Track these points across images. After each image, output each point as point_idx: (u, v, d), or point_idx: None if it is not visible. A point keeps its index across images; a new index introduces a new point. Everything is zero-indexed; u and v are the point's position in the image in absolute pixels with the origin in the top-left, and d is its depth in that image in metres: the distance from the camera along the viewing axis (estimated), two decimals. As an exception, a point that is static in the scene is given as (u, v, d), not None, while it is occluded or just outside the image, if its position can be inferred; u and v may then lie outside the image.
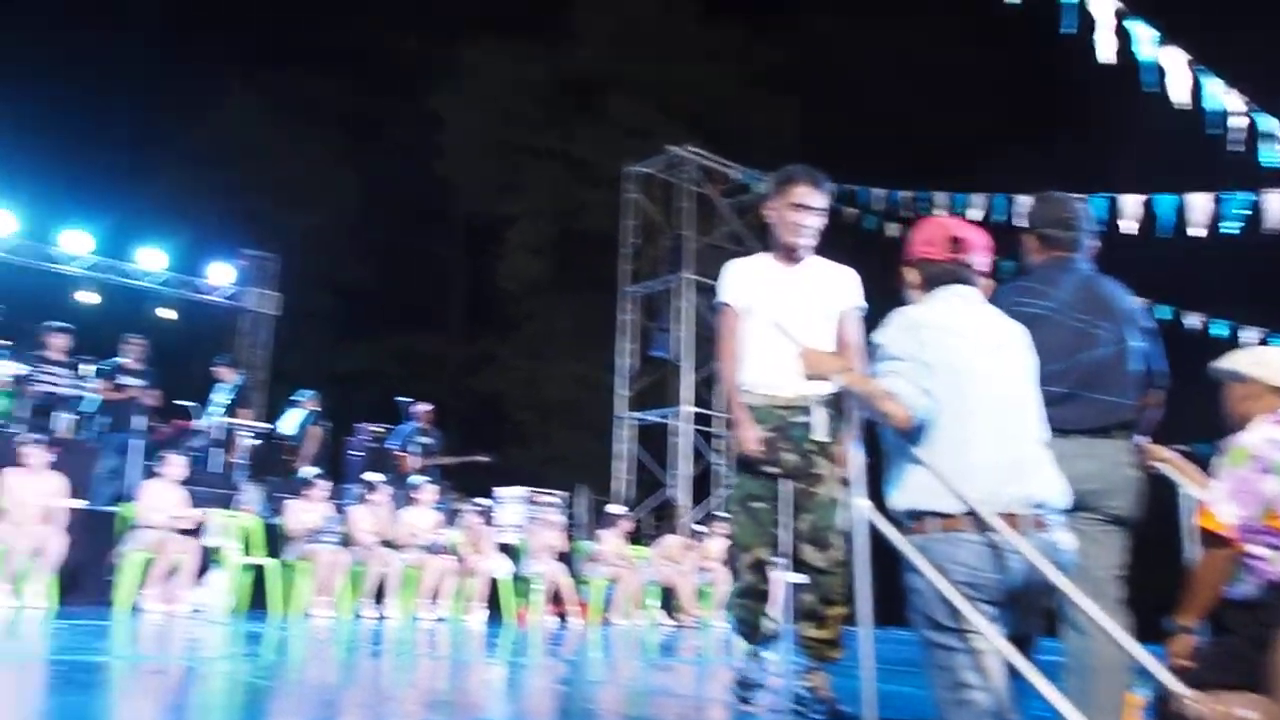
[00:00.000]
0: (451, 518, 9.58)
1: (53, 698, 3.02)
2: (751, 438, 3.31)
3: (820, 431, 3.35)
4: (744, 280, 3.52)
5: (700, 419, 14.20)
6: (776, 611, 3.54)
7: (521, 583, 9.23)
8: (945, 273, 2.48)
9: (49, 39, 19.27)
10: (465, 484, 11.99)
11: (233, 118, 22.54)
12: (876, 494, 2.51)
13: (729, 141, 17.04)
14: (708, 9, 22.25)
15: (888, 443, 2.43)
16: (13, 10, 17.50)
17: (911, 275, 2.54)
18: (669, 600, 9.93)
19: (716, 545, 10.36)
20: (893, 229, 12.17)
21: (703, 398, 14.28)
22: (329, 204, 23.28)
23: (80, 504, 7.75)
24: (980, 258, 2.51)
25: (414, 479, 9.65)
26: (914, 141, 18.86)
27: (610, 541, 9.85)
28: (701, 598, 10.00)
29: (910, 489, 2.32)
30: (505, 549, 9.54)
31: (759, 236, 14.64)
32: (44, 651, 4.43)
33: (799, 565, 3.38)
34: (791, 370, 3.14)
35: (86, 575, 7.57)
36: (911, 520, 2.32)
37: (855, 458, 2.58)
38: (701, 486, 14.41)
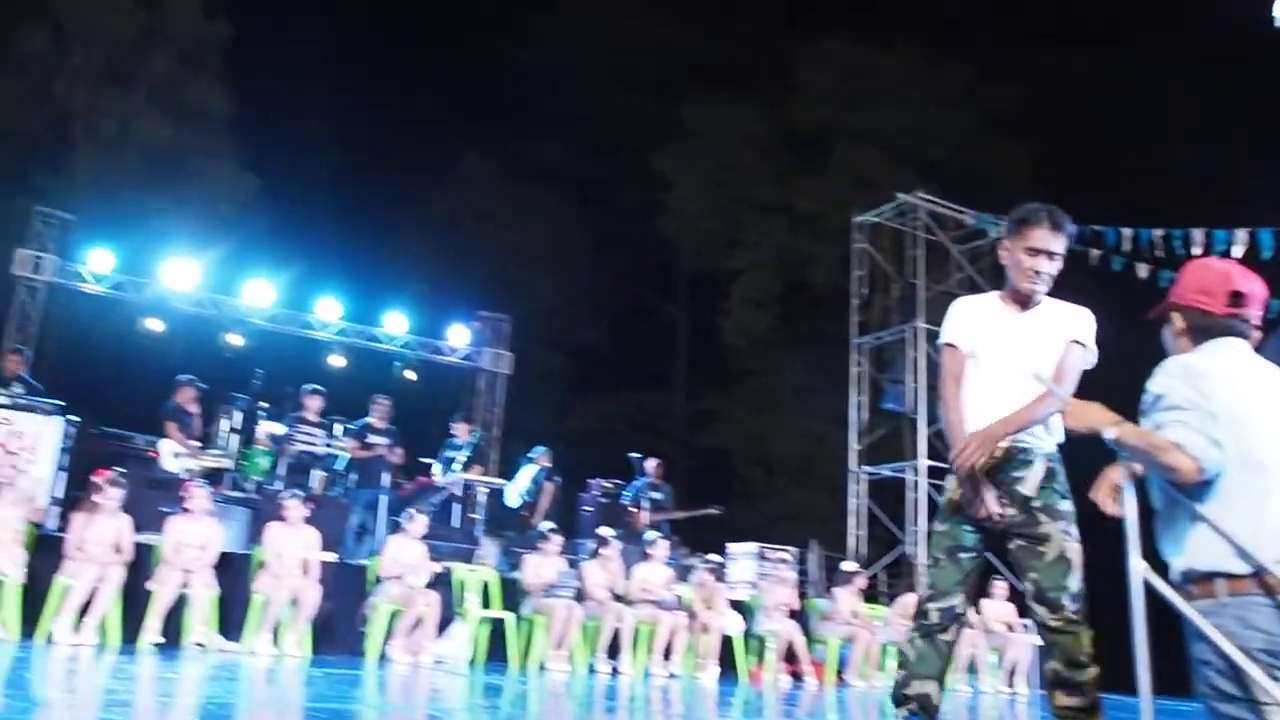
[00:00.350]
0: (683, 573, 9.43)
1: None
2: (992, 500, 3.07)
3: (1030, 487, 3.07)
4: (970, 321, 3.27)
5: (936, 472, 13.43)
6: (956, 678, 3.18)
7: (754, 640, 8.92)
8: (1219, 327, 2.31)
9: (295, 117, 21.11)
10: (695, 539, 11.85)
11: (468, 184, 23.95)
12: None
13: (960, 186, 16.39)
14: (931, 53, 21.69)
15: (1163, 499, 2.27)
16: (259, 92, 19.32)
17: (1178, 321, 2.38)
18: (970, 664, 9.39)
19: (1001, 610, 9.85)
20: (1143, 270, 11.31)
21: (938, 451, 13.54)
22: (559, 265, 24.17)
23: (332, 557, 8.14)
24: (1257, 312, 2.33)
25: (647, 534, 9.59)
26: (1159, 176, 17.45)
27: (845, 599, 9.40)
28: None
29: (1194, 548, 2.15)
30: (737, 605, 9.27)
31: (994, 282, 13.94)
32: (302, 700, 4.56)
33: (1037, 629, 3.14)
34: None
35: (338, 626, 7.92)
36: (1193, 583, 2.15)
37: (1129, 511, 2.36)
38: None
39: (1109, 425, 2.34)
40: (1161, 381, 2.27)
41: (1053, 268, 3.14)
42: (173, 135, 17.21)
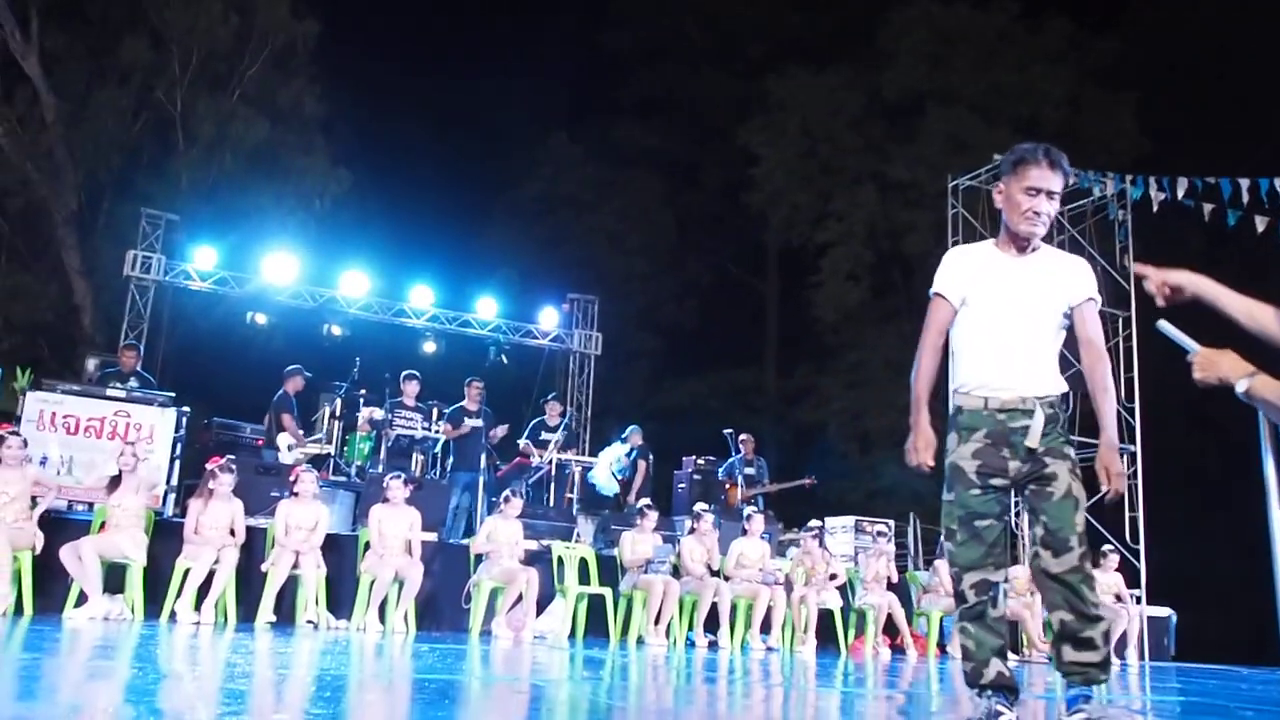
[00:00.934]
0: (780, 548, 9.39)
1: (425, 709, 3.14)
2: (921, 448, 3.04)
3: (1034, 438, 2.96)
4: (964, 269, 3.13)
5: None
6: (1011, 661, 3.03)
7: (854, 614, 8.84)
8: None
9: (384, 112, 21.52)
10: (791, 515, 11.79)
11: (556, 169, 24.13)
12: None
13: (1060, 144, 15.74)
14: (1027, 9, 20.97)
15: None
16: (348, 88, 19.74)
17: None
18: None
19: (1109, 580, 9.63)
20: (1260, 223, 10.76)
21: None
22: (647, 245, 24.20)
23: (433, 537, 8.33)
24: None
25: (746, 510, 9.57)
26: (1271, 127, 16.59)
27: (946, 572, 9.22)
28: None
29: None
30: (835, 579, 9.19)
31: (1099, 244, 13.34)
32: (410, 670, 4.68)
33: (1038, 576, 2.99)
34: (1016, 370, 3.01)
35: (442, 603, 8.11)
36: None
37: (1269, 467, 2.31)
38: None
39: (1241, 376, 2.25)
40: None
41: (1051, 208, 3.03)
42: (267, 135, 17.73)
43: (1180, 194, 11.04)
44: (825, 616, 8.68)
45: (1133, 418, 12.50)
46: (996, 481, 2.99)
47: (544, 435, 10.36)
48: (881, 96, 22.09)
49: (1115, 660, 9.18)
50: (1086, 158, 13.55)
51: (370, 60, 21.86)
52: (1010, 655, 3.13)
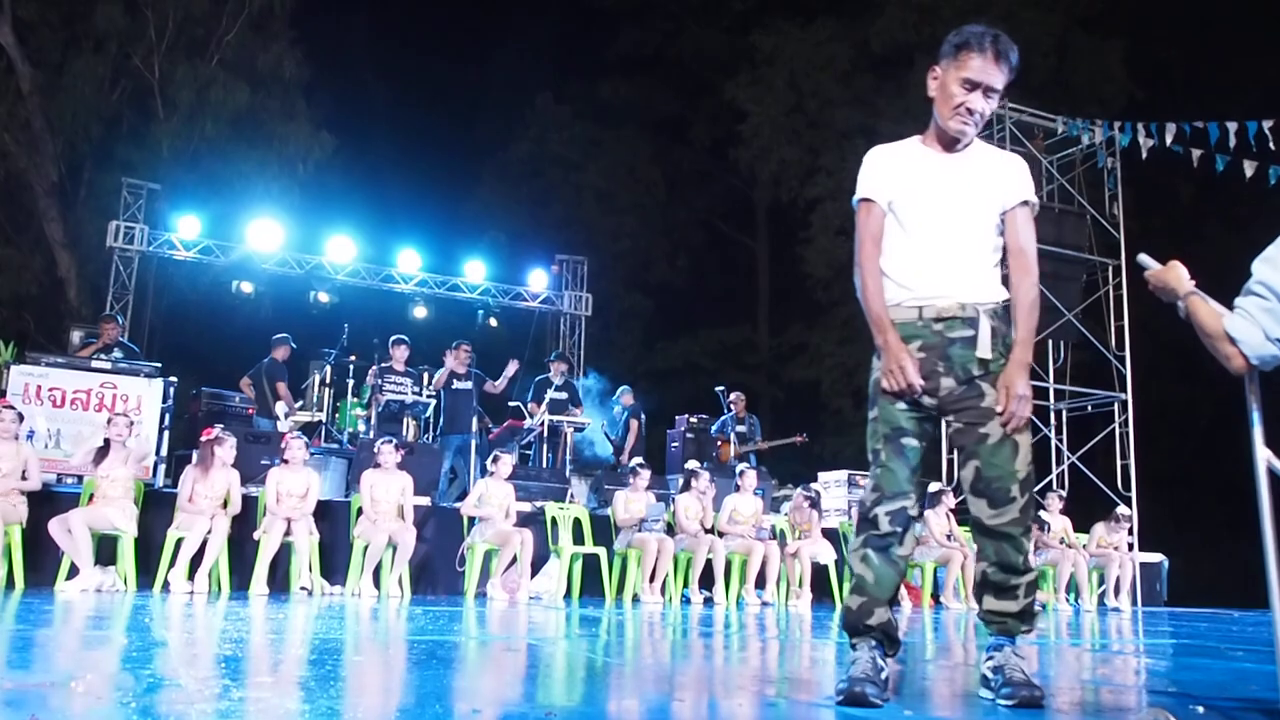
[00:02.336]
0: (774, 504, 9.41)
1: (421, 670, 3.14)
2: (912, 370, 2.61)
3: (985, 348, 2.63)
4: (889, 170, 2.78)
5: (1032, 392, 13.09)
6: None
7: (848, 567, 8.88)
8: None
9: (365, 74, 21.25)
10: (785, 471, 11.82)
11: (542, 129, 23.89)
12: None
13: (1045, 92, 15.71)
14: (1012, -45, 20.64)
15: None
16: (328, 51, 19.46)
17: None
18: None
19: (1058, 524, 9.62)
20: (1248, 168, 10.72)
21: (1033, 369, 13.13)
22: (635, 204, 24.03)
23: (426, 501, 8.33)
24: None
25: (739, 467, 9.59)
26: (1261, 73, 16.46)
27: (935, 522, 9.28)
28: (1042, 580, 9.22)
29: None
30: (830, 534, 9.24)
31: (1090, 194, 13.23)
32: (405, 633, 4.68)
33: (971, 524, 2.73)
34: (951, 275, 2.69)
35: (436, 567, 8.13)
36: None
37: (1255, 416, 2.23)
38: (1036, 462, 13.27)
39: (1181, 294, 2.25)
40: (1260, 262, 2.15)
41: (988, 106, 2.68)
42: (248, 100, 17.47)
43: (1169, 140, 10.98)
44: (819, 571, 8.72)
45: (1124, 366, 12.53)
46: (927, 401, 2.67)
47: (548, 395, 10.32)
48: (869, 49, 21.85)
49: (1066, 606, 9.24)
50: (1075, 106, 13.47)
51: (351, 22, 21.54)
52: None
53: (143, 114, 17.45)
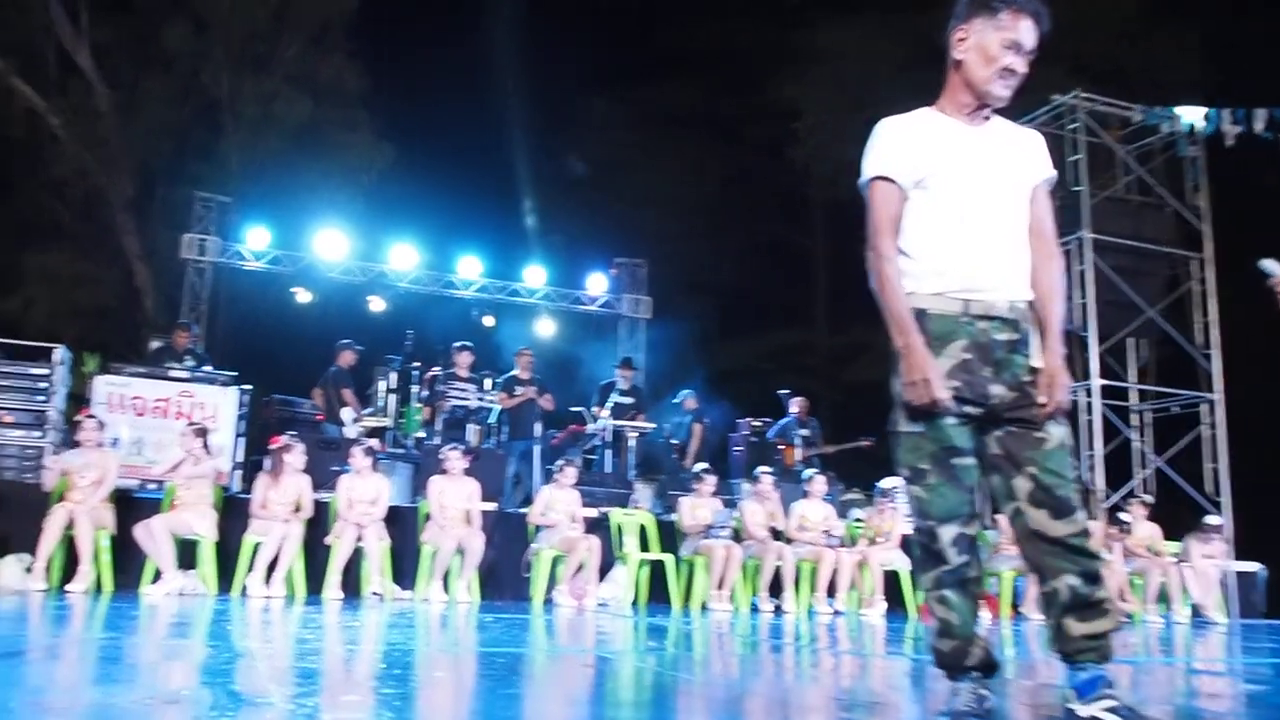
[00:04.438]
0: (842, 509, 9.31)
1: (495, 686, 3.15)
2: (937, 379, 2.35)
3: (1037, 354, 2.43)
4: (911, 143, 2.51)
5: (1112, 392, 12.72)
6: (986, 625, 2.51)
7: (924, 596, 8.72)
8: None
9: (424, 83, 21.47)
10: (849, 475, 11.68)
11: (599, 133, 23.99)
12: None
13: (1116, 81, 15.28)
14: (1084, -62, 20.20)
15: None
16: (388, 61, 19.72)
17: None
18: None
19: (1144, 530, 9.35)
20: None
21: (1112, 369, 12.83)
22: (693, 206, 24.00)
23: (492, 506, 8.39)
24: None
25: (805, 471, 9.51)
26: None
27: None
28: (1133, 589, 8.99)
29: None
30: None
31: (1169, 184, 12.82)
32: (479, 643, 4.71)
33: (1027, 540, 2.41)
34: (996, 264, 2.45)
35: (504, 572, 8.18)
36: None
37: None
38: (1118, 466, 12.92)
39: None
40: None
41: (1025, 70, 2.52)
42: (311, 112, 17.82)
43: (1259, 126, 10.60)
44: (892, 579, 8.59)
45: (1210, 364, 12.12)
46: (972, 410, 2.41)
47: (613, 399, 10.33)
48: (929, 41, 21.55)
49: (1157, 619, 8.89)
50: (1147, 94, 13.08)
51: (408, 32, 21.80)
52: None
53: (211, 129, 17.89)
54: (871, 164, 2.53)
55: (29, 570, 6.64)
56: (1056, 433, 2.41)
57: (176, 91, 17.48)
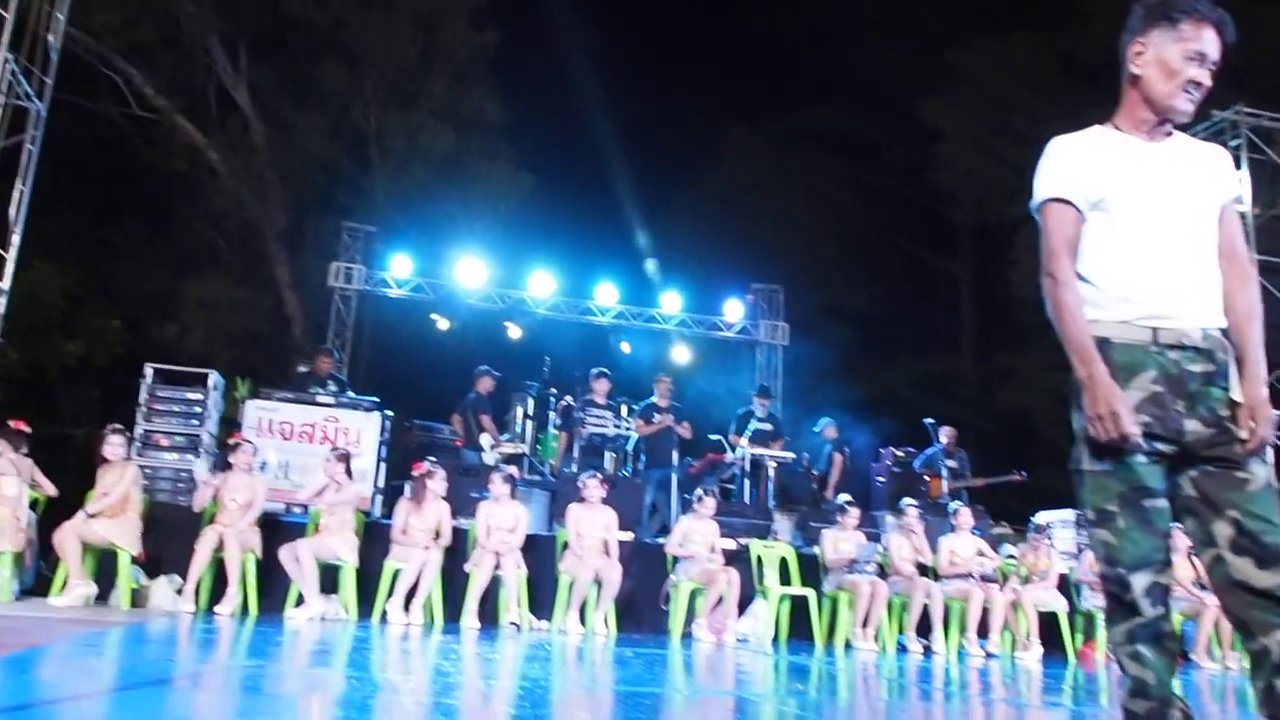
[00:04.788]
0: (993, 543, 8.82)
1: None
2: (1126, 413, 2.13)
3: (1236, 386, 2.21)
4: (1088, 163, 2.32)
5: None
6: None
7: (1080, 617, 8.17)
8: None
9: (562, 113, 21.82)
10: (998, 508, 11.09)
11: (735, 159, 23.92)
12: None
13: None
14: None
15: None
16: (527, 92, 20.08)
17: None
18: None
19: None
20: None
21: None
22: (831, 231, 23.64)
23: (629, 536, 8.25)
24: None
25: (951, 504, 9.06)
26: None
27: (1183, 569, 8.37)
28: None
29: None
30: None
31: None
32: (618, 680, 4.58)
33: (1228, 591, 2.15)
34: (1187, 290, 2.25)
35: (641, 604, 8.02)
36: None
37: None
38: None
39: None
40: None
41: (1208, 81, 2.31)
42: (454, 144, 18.28)
43: None
44: (1048, 620, 8.06)
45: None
46: (1164, 448, 2.19)
47: (752, 426, 10.11)
48: (1074, 59, 20.68)
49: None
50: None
51: (546, 63, 22.22)
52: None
53: (360, 162, 18.57)
54: (1045, 185, 2.37)
55: (179, 592, 6.85)
56: (1261, 472, 2.17)
57: (328, 126, 18.22)
